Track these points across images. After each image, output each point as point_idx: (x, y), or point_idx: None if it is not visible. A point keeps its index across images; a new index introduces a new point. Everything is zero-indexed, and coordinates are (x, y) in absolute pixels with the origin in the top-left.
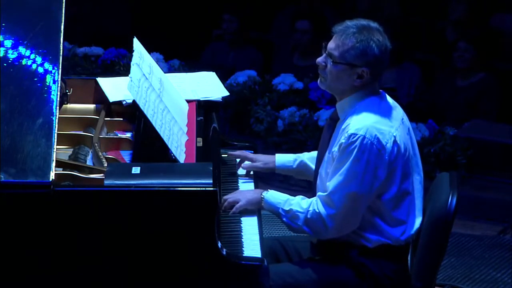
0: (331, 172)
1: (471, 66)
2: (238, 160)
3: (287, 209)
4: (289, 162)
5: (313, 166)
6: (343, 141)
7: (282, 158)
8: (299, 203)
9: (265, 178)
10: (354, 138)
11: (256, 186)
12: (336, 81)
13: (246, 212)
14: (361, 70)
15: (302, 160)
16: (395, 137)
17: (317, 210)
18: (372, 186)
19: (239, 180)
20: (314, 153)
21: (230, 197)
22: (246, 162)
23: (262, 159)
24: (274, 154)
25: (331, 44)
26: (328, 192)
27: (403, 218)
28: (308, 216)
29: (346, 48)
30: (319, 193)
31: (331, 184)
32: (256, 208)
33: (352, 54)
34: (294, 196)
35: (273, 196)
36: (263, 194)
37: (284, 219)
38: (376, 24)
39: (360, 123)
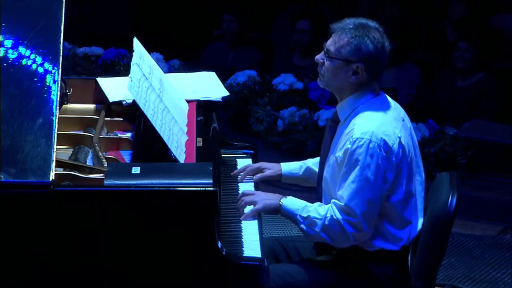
0: (340, 179)
1: (471, 66)
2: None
3: (305, 215)
4: (295, 170)
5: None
6: (349, 146)
7: (288, 166)
8: (317, 210)
9: None
10: (361, 143)
11: (256, 187)
12: (332, 77)
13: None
14: (356, 66)
15: (308, 166)
16: (400, 138)
17: (335, 217)
18: (382, 189)
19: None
20: (318, 159)
21: (247, 196)
22: (256, 174)
23: (269, 167)
24: (274, 154)
25: (328, 41)
26: (345, 202)
27: (410, 219)
28: (326, 222)
29: (342, 43)
30: (335, 201)
31: (345, 193)
32: (269, 214)
33: (347, 50)
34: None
35: (291, 202)
36: (281, 201)
37: (301, 225)
38: (375, 23)
39: (365, 126)
